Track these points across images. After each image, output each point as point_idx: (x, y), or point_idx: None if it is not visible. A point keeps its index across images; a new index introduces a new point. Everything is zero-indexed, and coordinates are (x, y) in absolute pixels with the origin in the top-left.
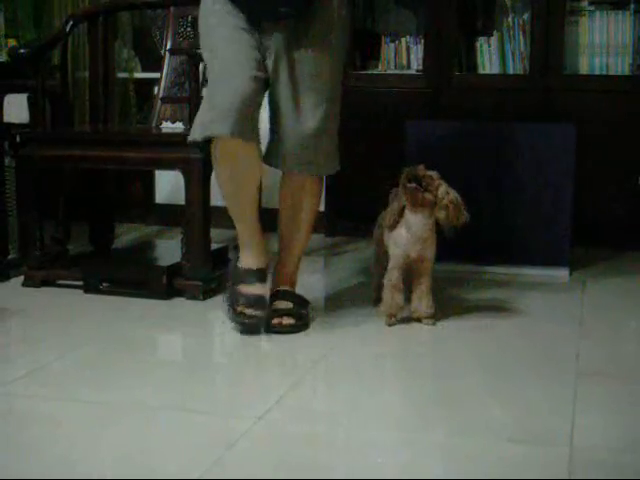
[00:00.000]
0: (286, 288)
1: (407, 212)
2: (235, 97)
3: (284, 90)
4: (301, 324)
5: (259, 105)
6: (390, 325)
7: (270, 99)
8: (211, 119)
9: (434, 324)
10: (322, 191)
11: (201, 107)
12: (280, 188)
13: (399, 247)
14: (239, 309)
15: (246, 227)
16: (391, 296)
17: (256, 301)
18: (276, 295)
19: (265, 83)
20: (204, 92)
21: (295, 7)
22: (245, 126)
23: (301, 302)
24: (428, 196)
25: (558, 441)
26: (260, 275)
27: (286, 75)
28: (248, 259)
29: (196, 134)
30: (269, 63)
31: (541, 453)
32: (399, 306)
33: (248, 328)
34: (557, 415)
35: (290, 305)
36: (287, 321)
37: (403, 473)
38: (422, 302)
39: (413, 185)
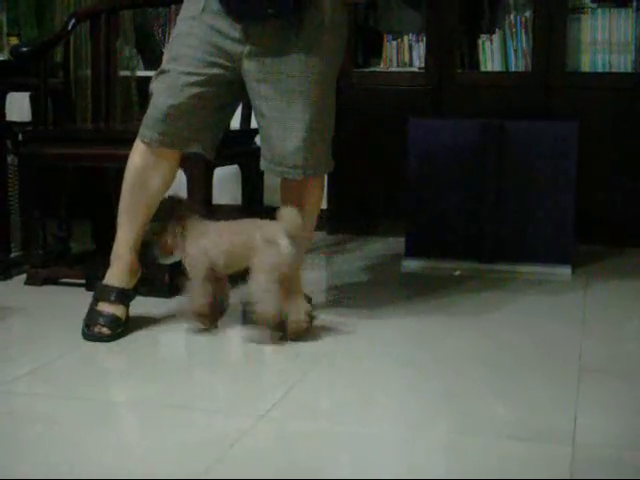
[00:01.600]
0: None
1: None
2: (171, 108)
3: (265, 98)
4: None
5: (198, 119)
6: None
7: (255, 109)
8: (146, 120)
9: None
10: (323, 189)
11: (152, 99)
12: (280, 187)
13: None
14: (96, 329)
15: (128, 239)
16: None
17: (112, 322)
18: None
19: (223, 100)
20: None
21: (282, 9)
22: (170, 138)
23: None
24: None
25: (560, 439)
26: (122, 295)
27: (271, 82)
28: (114, 276)
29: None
30: (250, 71)
31: (543, 451)
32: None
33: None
34: (559, 413)
35: None
36: None
37: (405, 470)
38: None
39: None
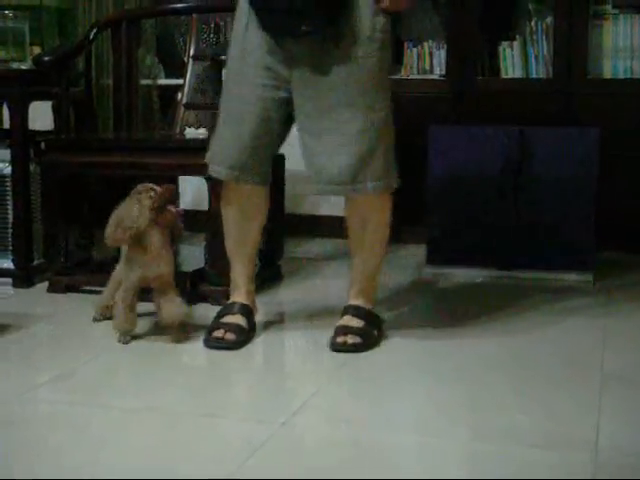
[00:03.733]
0: (358, 303)
1: (145, 234)
2: (237, 141)
3: (309, 115)
4: (368, 343)
5: (268, 145)
6: (125, 343)
7: (300, 127)
8: (212, 157)
9: (180, 341)
10: (390, 205)
11: (214, 132)
12: (345, 205)
13: (135, 269)
14: (218, 334)
15: (242, 269)
16: (124, 315)
17: (235, 328)
18: (347, 310)
19: (282, 121)
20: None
21: (316, 25)
22: (247, 171)
23: (373, 320)
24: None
25: (583, 447)
26: (243, 309)
27: (312, 98)
28: (236, 296)
29: (208, 163)
30: (295, 87)
31: (566, 459)
32: (133, 325)
33: (222, 349)
34: (582, 421)
35: (360, 324)
36: (352, 340)
37: (426, 478)
38: (168, 309)
39: (180, 210)
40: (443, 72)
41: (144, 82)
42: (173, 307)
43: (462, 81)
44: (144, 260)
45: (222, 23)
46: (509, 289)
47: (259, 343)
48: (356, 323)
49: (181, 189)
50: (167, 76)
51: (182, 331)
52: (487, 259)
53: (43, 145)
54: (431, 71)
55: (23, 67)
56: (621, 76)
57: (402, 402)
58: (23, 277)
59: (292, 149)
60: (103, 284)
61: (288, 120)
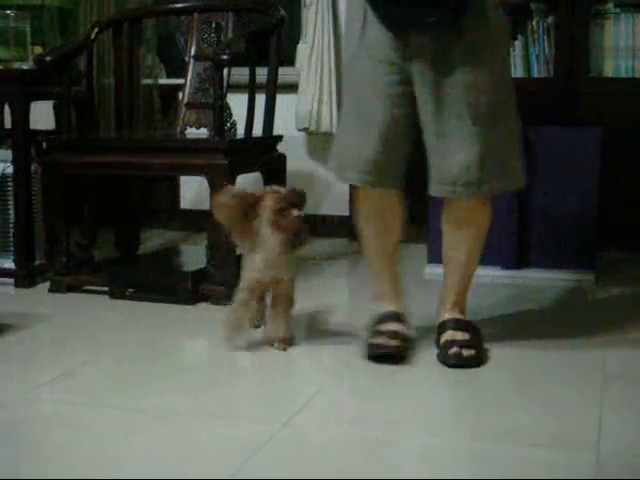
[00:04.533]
0: (459, 317)
1: (264, 235)
2: (368, 143)
3: (430, 112)
4: (481, 355)
5: (401, 145)
6: (229, 342)
7: (423, 125)
8: (343, 163)
9: (285, 349)
10: (492, 209)
11: (336, 138)
12: (443, 207)
13: (252, 271)
14: (380, 341)
15: (385, 274)
16: (234, 314)
17: (395, 335)
18: (448, 325)
19: (411, 116)
20: (340, 122)
21: (443, 17)
22: (381, 173)
23: (476, 331)
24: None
25: (584, 446)
26: (398, 316)
27: (433, 94)
28: (386, 304)
29: (333, 171)
30: (415, 83)
31: (567, 458)
32: (241, 325)
33: (388, 357)
34: (583, 420)
35: (467, 336)
36: (467, 352)
37: (428, 477)
38: (274, 324)
39: (299, 213)
40: None
41: (145, 82)
42: (277, 328)
43: None
44: (261, 262)
45: (223, 22)
46: (510, 288)
47: (259, 343)
48: (463, 336)
49: (181, 189)
50: (168, 76)
51: (281, 348)
52: (489, 258)
53: (44, 145)
54: None
55: (24, 67)
56: (623, 75)
57: (403, 401)
58: (25, 277)
59: (293, 149)
60: (104, 284)
61: (417, 116)
